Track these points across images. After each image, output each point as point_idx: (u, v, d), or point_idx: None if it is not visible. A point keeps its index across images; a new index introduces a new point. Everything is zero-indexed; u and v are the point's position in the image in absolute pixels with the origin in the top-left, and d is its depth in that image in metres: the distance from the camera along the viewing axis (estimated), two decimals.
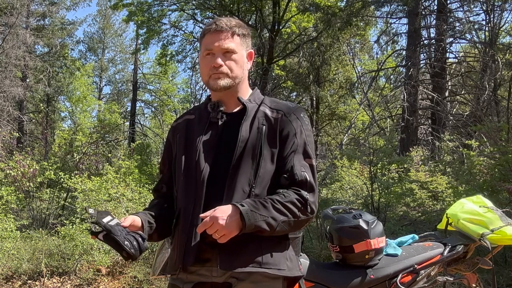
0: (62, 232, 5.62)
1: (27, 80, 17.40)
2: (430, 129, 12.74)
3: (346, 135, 15.35)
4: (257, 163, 1.50)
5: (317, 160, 16.13)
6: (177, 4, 13.58)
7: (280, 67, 14.74)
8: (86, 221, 5.95)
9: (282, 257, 1.53)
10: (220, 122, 1.60)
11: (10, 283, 5.14)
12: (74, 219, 5.87)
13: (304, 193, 1.48)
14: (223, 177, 1.51)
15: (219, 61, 1.55)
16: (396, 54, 14.54)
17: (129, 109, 23.11)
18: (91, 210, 1.44)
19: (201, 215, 1.42)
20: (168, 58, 15.71)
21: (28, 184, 7.63)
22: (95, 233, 1.45)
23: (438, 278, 2.28)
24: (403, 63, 12.80)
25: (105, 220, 1.44)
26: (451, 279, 2.30)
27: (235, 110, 1.62)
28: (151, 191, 1.85)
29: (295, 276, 1.57)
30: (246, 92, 1.65)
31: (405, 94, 11.11)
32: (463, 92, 13.55)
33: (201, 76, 1.64)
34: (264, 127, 1.54)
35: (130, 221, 1.53)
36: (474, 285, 2.38)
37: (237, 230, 1.40)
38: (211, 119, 1.61)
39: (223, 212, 1.38)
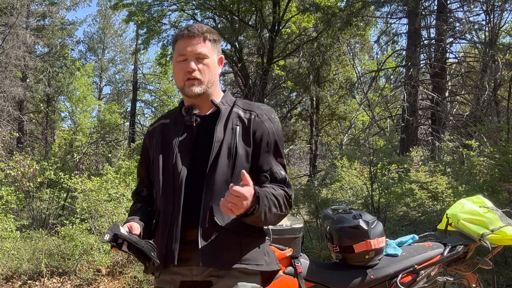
0: (62, 232, 5.61)
1: (27, 80, 17.40)
2: (430, 129, 12.74)
3: (346, 135, 15.34)
4: (233, 162, 1.55)
5: (317, 160, 16.15)
6: (177, 4, 13.57)
7: (280, 67, 14.74)
8: (86, 221, 5.96)
9: (260, 253, 1.59)
10: (194, 125, 1.64)
11: (10, 283, 5.14)
12: (74, 219, 5.86)
13: (287, 190, 1.56)
14: (201, 177, 1.55)
15: (193, 65, 1.60)
16: (396, 54, 14.54)
17: (129, 109, 23.13)
18: (107, 237, 1.45)
19: (236, 188, 1.38)
20: (168, 58, 15.70)
21: (28, 184, 7.62)
22: (118, 245, 1.47)
23: (438, 278, 2.28)
24: (403, 63, 12.80)
25: (122, 231, 1.47)
26: (451, 279, 2.31)
27: (208, 112, 1.67)
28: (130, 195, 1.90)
29: (272, 271, 1.63)
30: (218, 95, 1.70)
31: (405, 94, 11.11)
32: (463, 92, 13.55)
33: (176, 81, 1.69)
34: (238, 127, 1.60)
35: (137, 229, 1.57)
36: (474, 285, 2.38)
37: (242, 211, 1.41)
38: (186, 122, 1.65)
39: (251, 193, 1.40)
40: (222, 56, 1.72)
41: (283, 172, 1.60)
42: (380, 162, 7.21)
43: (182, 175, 1.56)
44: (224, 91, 1.74)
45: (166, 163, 1.61)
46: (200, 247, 1.50)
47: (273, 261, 1.64)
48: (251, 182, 1.41)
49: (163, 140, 1.67)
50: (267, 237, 2.07)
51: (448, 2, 11.91)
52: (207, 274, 1.55)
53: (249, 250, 1.55)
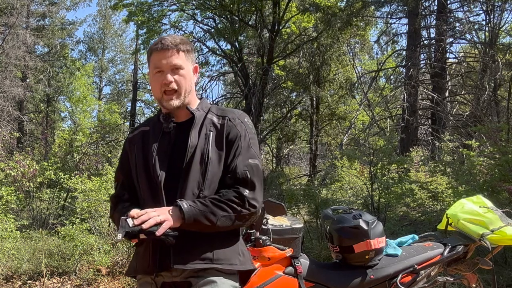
0: (62, 232, 5.62)
1: (27, 80, 17.41)
2: (430, 129, 12.73)
3: (346, 135, 15.33)
4: (205, 167, 1.63)
5: (317, 160, 16.13)
6: (177, 4, 13.55)
7: (280, 67, 14.72)
8: (86, 221, 5.96)
9: (234, 252, 1.66)
10: (172, 131, 1.72)
11: (10, 283, 5.14)
12: (74, 219, 5.87)
13: (243, 190, 1.62)
14: (176, 181, 1.64)
15: (169, 77, 1.67)
16: (396, 54, 14.52)
17: (129, 109, 23.10)
18: (119, 236, 1.51)
19: (135, 212, 1.54)
20: None
21: (28, 184, 7.63)
22: (136, 236, 1.53)
23: (438, 278, 2.28)
24: (403, 63, 12.79)
25: (130, 224, 1.52)
26: (451, 279, 2.31)
27: (185, 119, 1.75)
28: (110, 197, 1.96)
29: (248, 270, 1.69)
30: (194, 103, 1.78)
31: (405, 94, 11.10)
32: (463, 92, 13.54)
33: (153, 93, 1.77)
34: (211, 133, 1.68)
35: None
36: (474, 285, 2.38)
37: (178, 221, 1.54)
38: (164, 129, 1.73)
39: (162, 209, 1.55)
40: (197, 65, 1.80)
41: (246, 172, 1.64)
42: (380, 162, 7.22)
43: (160, 179, 1.64)
44: (200, 98, 1.83)
45: (147, 167, 1.69)
46: (172, 249, 1.58)
47: (247, 261, 1.71)
48: (150, 209, 1.54)
49: (144, 146, 1.74)
50: (267, 237, 2.08)
51: (448, 2, 11.91)
52: (186, 275, 1.61)
53: (221, 251, 1.62)
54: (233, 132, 1.68)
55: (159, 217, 1.52)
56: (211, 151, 1.65)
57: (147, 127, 1.81)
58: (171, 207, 1.57)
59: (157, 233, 1.51)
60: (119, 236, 1.50)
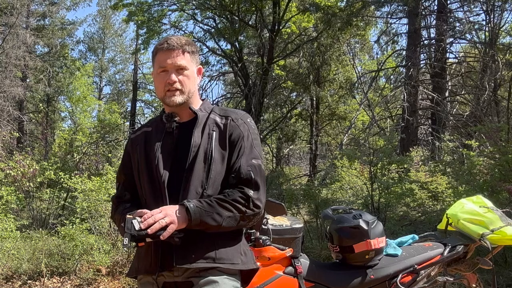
0: (62, 232, 5.63)
1: (27, 80, 17.42)
2: (430, 129, 12.73)
3: (346, 135, 15.33)
4: (208, 166, 1.64)
5: (317, 160, 16.13)
6: (177, 4, 13.56)
7: (280, 67, 14.72)
8: (86, 221, 5.96)
9: (236, 252, 1.66)
10: (175, 131, 1.73)
11: (10, 283, 5.14)
12: (74, 219, 5.87)
13: (248, 190, 1.62)
14: (180, 181, 1.64)
15: (173, 77, 1.68)
16: (396, 54, 14.52)
17: (129, 109, 23.09)
18: (125, 241, 1.50)
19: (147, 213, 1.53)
20: None
21: (28, 184, 7.63)
22: (142, 240, 1.52)
23: (438, 278, 2.28)
24: (403, 63, 12.79)
25: (136, 227, 1.50)
26: (451, 279, 2.30)
27: (188, 119, 1.75)
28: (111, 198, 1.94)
29: (250, 269, 1.70)
30: (197, 104, 1.79)
31: (405, 94, 11.11)
32: (463, 92, 13.54)
33: (156, 92, 1.78)
34: (214, 132, 1.69)
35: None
36: (474, 285, 2.38)
37: (184, 223, 1.54)
38: (167, 129, 1.74)
39: (168, 209, 1.54)
40: (201, 66, 1.81)
41: (250, 172, 1.64)
42: (380, 162, 7.22)
43: (164, 179, 1.65)
44: (203, 99, 1.83)
45: (150, 168, 1.69)
46: (174, 248, 1.58)
47: (250, 260, 1.71)
48: (156, 210, 1.53)
49: (146, 147, 1.74)
50: (267, 237, 2.08)
51: (448, 2, 11.90)
52: (188, 274, 1.61)
53: (224, 250, 1.62)
54: (236, 132, 1.69)
55: (164, 220, 1.51)
56: (214, 150, 1.65)
57: (149, 128, 1.81)
58: (177, 207, 1.56)
59: (162, 238, 1.50)
60: (125, 241, 1.50)
